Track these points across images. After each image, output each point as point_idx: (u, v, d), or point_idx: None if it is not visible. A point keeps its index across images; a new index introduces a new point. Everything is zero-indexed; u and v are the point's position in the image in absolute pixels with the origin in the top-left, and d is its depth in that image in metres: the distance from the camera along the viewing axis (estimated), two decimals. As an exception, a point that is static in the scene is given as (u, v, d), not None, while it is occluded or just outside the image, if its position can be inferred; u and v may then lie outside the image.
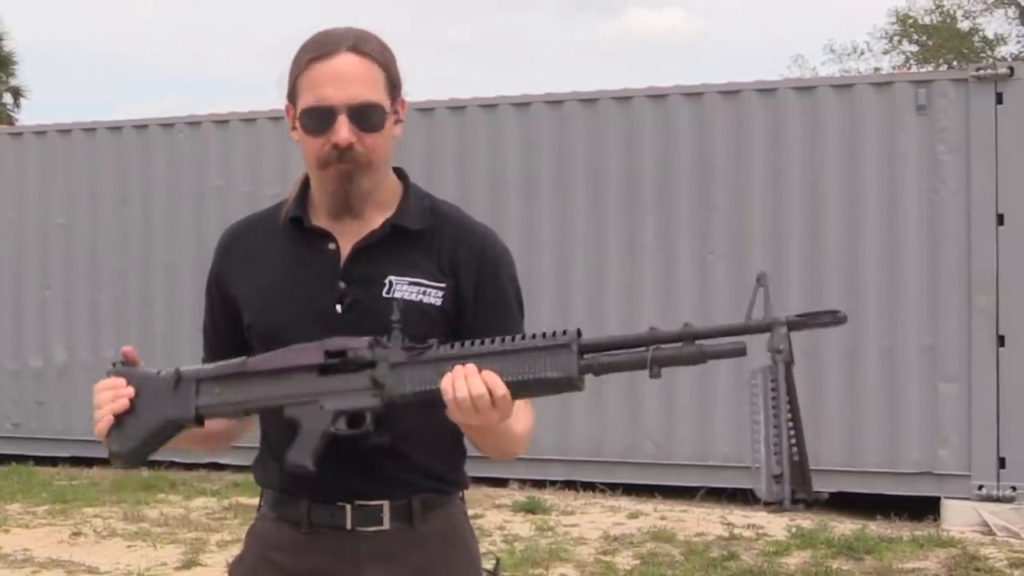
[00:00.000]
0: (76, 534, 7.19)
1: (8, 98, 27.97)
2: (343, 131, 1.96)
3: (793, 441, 1.78)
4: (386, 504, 2.02)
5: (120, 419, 1.99)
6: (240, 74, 68.91)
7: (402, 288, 2.02)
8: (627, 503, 7.97)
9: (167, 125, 9.72)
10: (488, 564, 2.17)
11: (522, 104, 8.75)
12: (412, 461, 2.04)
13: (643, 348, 1.83)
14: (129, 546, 6.83)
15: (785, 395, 1.78)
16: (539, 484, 8.38)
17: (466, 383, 1.82)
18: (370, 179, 2.01)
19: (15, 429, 9.92)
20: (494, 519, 7.42)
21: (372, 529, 2.02)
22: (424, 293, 2.02)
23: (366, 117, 1.98)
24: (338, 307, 2.00)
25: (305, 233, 2.06)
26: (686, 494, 8.09)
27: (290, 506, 2.06)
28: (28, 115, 27.54)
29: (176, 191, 9.52)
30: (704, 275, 8.19)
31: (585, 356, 1.84)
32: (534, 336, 1.85)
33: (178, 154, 9.57)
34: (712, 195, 8.18)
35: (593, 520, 7.44)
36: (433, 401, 1.86)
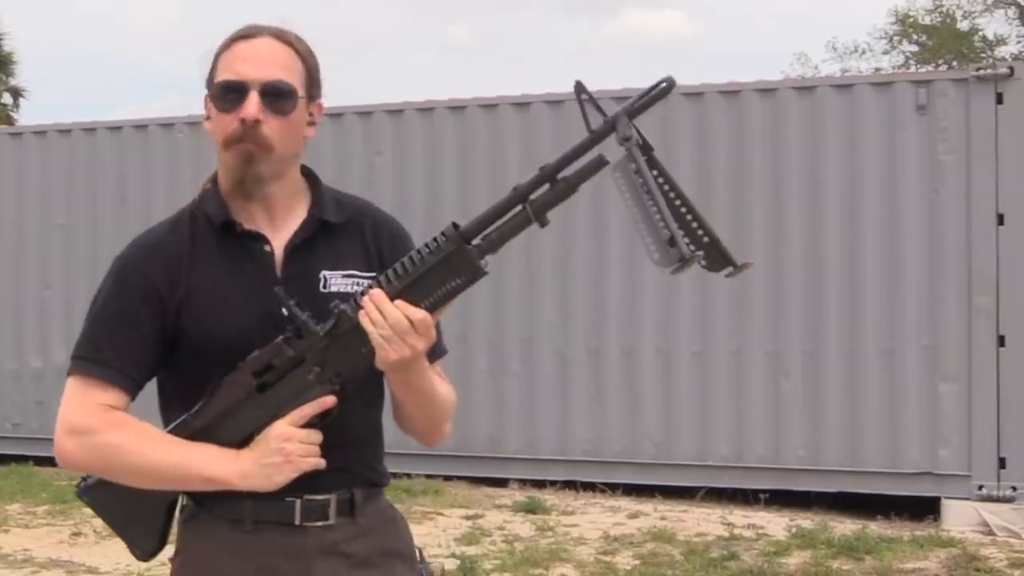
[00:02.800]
0: (76, 534, 7.19)
1: (8, 98, 27.97)
2: (251, 107, 1.96)
3: (696, 223, 1.80)
4: (333, 498, 2.02)
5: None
6: (240, 74, 68.75)
7: (336, 281, 2.04)
8: (627, 503, 7.97)
9: (167, 125, 9.73)
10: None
11: (522, 104, 8.76)
12: (355, 453, 2.05)
13: (519, 207, 1.87)
14: (129, 546, 6.82)
15: (652, 175, 1.77)
16: (539, 484, 8.37)
17: (381, 313, 1.87)
18: (269, 166, 2.00)
19: (15, 429, 9.92)
20: (494, 519, 7.42)
21: (319, 524, 2.01)
22: (358, 284, 2.03)
23: (277, 97, 1.98)
24: (283, 309, 1.97)
25: (238, 237, 2.04)
26: (686, 494, 8.08)
27: (229, 503, 1.99)
28: (28, 115, 27.57)
29: (176, 191, 9.51)
30: (704, 275, 8.14)
31: (473, 243, 1.88)
32: (421, 255, 1.89)
33: (178, 154, 9.57)
34: (712, 195, 8.17)
35: (593, 520, 7.44)
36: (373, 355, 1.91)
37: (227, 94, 1.98)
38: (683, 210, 1.81)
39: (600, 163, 1.85)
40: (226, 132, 1.98)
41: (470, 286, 1.89)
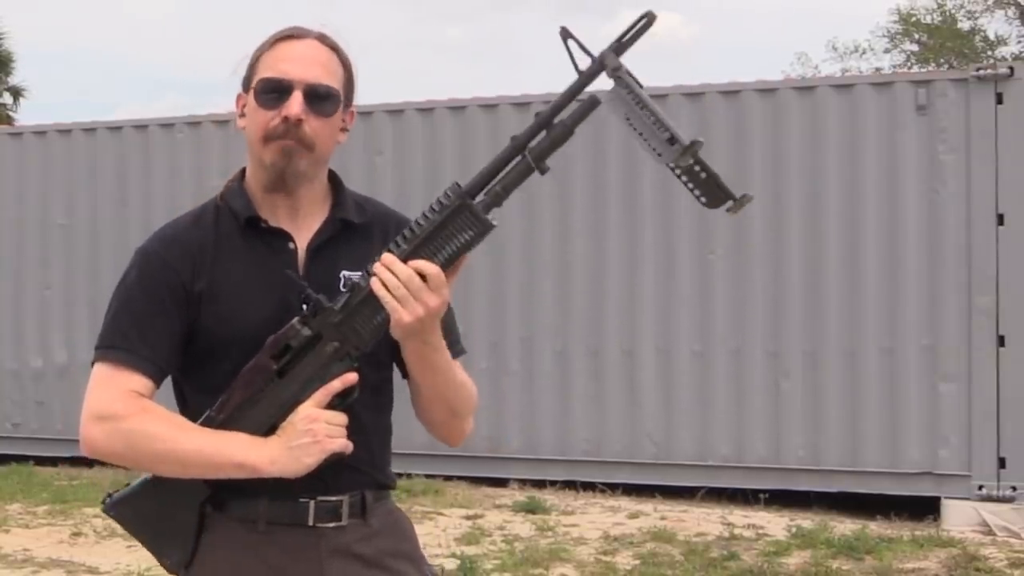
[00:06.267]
0: (76, 534, 7.19)
1: (8, 98, 27.97)
2: (295, 106, 1.98)
3: (694, 161, 1.83)
4: (345, 499, 2.03)
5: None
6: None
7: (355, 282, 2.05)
8: (627, 503, 7.97)
9: (167, 125, 9.73)
10: None
11: (522, 104, 8.74)
12: (366, 455, 2.05)
13: (519, 157, 1.89)
14: (129, 546, 6.81)
15: (645, 97, 1.81)
16: (539, 484, 8.37)
17: (393, 273, 1.87)
18: (308, 163, 2.02)
19: (15, 429, 9.92)
20: (494, 519, 7.42)
21: (332, 525, 2.02)
22: None
23: (321, 99, 2.01)
24: (304, 306, 1.98)
25: (262, 234, 2.05)
26: (686, 494, 8.08)
27: (243, 504, 2.01)
28: (28, 115, 27.59)
29: (176, 191, 9.51)
30: (704, 275, 8.19)
31: (477, 198, 1.90)
32: (426, 216, 1.90)
33: (178, 154, 9.57)
34: (712, 195, 8.17)
35: (593, 520, 7.44)
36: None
37: (270, 92, 2.00)
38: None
39: (593, 103, 1.87)
40: (267, 127, 1.99)
41: (480, 241, 1.89)
